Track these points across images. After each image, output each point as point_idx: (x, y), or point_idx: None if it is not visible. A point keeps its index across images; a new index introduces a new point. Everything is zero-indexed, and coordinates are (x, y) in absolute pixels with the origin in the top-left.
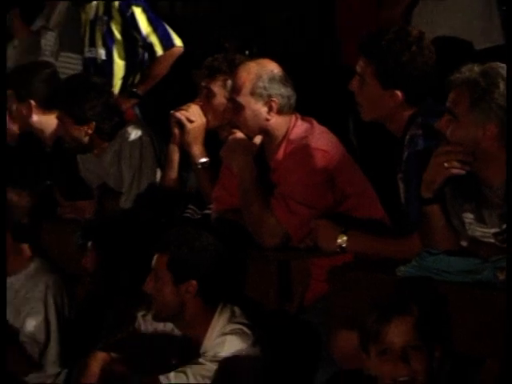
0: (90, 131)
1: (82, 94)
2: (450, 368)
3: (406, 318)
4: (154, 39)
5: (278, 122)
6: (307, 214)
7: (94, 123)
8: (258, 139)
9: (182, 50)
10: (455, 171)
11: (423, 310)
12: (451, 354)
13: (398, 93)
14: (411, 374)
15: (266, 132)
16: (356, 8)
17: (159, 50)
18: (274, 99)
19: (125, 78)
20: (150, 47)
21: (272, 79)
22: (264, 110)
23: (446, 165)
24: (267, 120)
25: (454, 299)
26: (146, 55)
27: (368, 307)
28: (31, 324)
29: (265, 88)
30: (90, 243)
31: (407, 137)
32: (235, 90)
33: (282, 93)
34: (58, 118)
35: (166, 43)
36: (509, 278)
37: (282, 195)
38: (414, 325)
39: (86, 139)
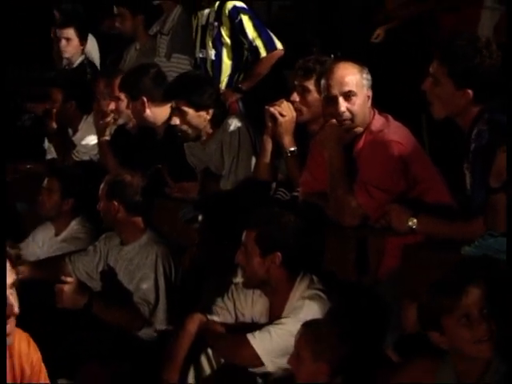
0: (208, 117)
1: (200, 84)
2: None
3: (476, 287)
4: (258, 43)
5: (369, 112)
6: (384, 198)
7: (211, 109)
8: (358, 130)
9: (282, 52)
10: None
11: (488, 283)
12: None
13: (469, 91)
14: (490, 334)
15: (363, 121)
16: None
17: (263, 53)
18: (370, 90)
19: (231, 76)
20: (255, 50)
21: (367, 73)
22: (366, 98)
23: None
24: (368, 108)
25: None
26: (250, 56)
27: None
28: (143, 287)
29: (367, 79)
30: (199, 217)
31: (474, 131)
32: (348, 84)
33: (371, 85)
34: (177, 109)
35: (270, 46)
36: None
37: (362, 181)
38: (483, 294)
39: (203, 125)
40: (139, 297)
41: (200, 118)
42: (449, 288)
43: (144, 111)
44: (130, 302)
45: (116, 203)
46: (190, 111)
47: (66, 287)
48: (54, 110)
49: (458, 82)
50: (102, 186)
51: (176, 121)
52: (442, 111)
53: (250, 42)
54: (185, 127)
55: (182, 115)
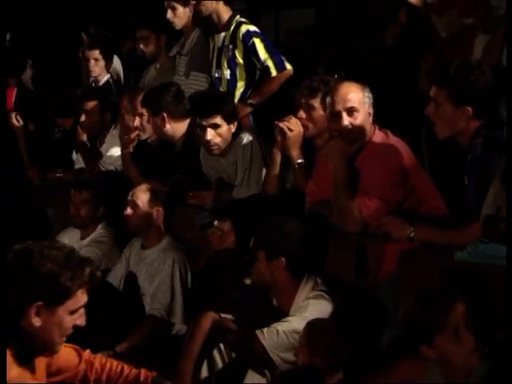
0: (233, 129)
1: (228, 98)
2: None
3: (460, 302)
4: (270, 63)
5: (370, 128)
6: (383, 207)
7: (236, 122)
8: (357, 144)
9: (291, 72)
10: None
11: (470, 296)
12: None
13: (469, 108)
14: (477, 345)
15: (364, 135)
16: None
17: (274, 72)
18: (371, 107)
19: (243, 92)
20: (266, 70)
21: (369, 92)
22: (368, 115)
23: None
24: (370, 124)
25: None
26: (261, 75)
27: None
28: (161, 290)
29: (368, 97)
30: (216, 223)
31: (472, 145)
32: (351, 100)
33: (373, 103)
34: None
35: (280, 67)
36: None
37: (364, 191)
38: (466, 307)
39: (230, 138)
40: (155, 302)
41: (230, 130)
42: (439, 306)
43: (164, 126)
44: (145, 310)
45: (161, 209)
46: (224, 124)
47: None
48: (87, 122)
49: (457, 101)
50: (137, 193)
51: (211, 135)
52: (445, 131)
53: (262, 63)
54: (218, 140)
55: (218, 129)
